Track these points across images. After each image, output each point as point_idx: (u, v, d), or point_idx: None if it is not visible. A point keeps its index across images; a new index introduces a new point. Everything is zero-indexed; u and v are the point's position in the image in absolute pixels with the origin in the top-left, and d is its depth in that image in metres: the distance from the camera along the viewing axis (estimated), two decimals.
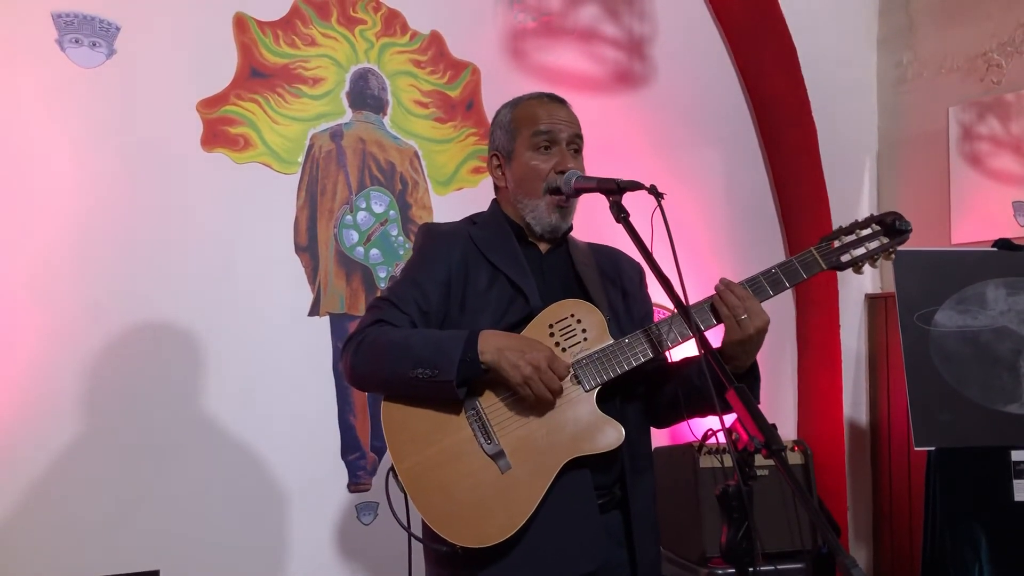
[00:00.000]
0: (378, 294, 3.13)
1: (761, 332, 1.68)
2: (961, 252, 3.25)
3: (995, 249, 3.14)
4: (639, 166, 3.31)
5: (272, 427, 2.95)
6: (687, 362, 1.82)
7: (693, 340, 1.63)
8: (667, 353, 1.79)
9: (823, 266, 1.77)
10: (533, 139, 1.84)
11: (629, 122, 3.61)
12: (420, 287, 1.79)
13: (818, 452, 3.48)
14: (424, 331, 1.75)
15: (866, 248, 1.78)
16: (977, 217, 3.40)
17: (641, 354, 1.73)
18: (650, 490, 1.84)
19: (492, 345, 1.65)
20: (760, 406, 1.45)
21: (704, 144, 3.79)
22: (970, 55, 3.46)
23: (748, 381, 1.73)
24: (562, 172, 1.81)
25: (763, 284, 1.75)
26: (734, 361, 1.70)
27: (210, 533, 2.84)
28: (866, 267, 1.80)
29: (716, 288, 1.72)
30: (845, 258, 1.77)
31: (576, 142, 1.87)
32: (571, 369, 1.72)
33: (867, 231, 1.79)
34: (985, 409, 2.98)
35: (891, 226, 1.77)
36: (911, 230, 1.78)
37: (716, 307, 1.71)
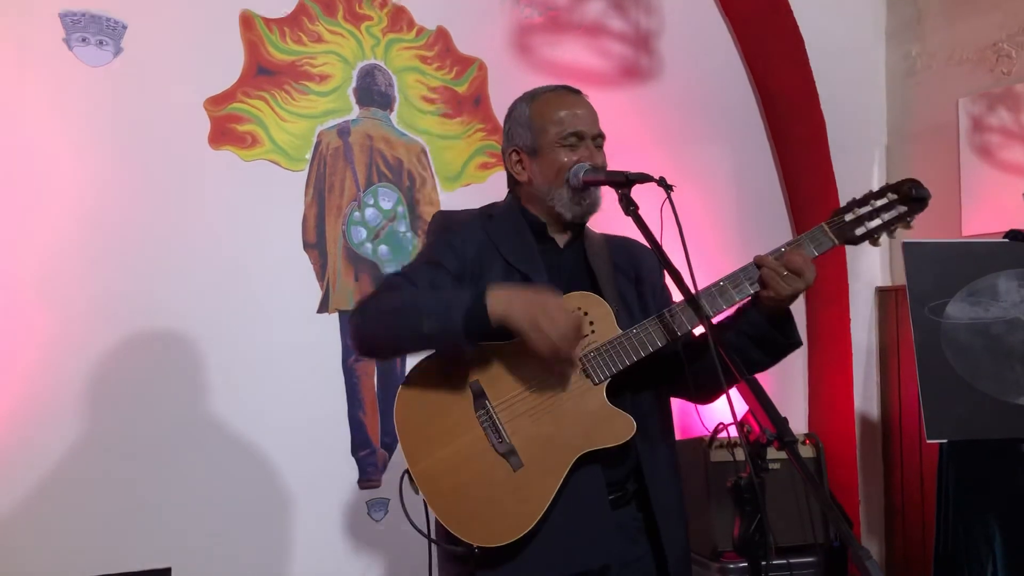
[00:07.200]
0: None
1: (810, 284, 1.67)
2: (972, 244, 3.22)
3: (1006, 240, 3.12)
4: (646, 161, 3.26)
5: (282, 424, 2.96)
6: (721, 325, 1.77)
7: (706, 320, 1.59)
8: (685, 337, 1.74)
9: (835, 241, 1.70)
10: (563, 140, 1.81)
11: (636, 117, 3.60)
12: (434, 270, 1.78)
13: (829, 446, 3.46)
14: (432, 290, 1.74)
15: (881, 219, 1.69)
16: (988, 209, 3.38)
17: (650, 343, 1.71)
18: (674, 483, 1.82)
19: (502, 295, 1.63)
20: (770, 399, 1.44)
21: (712, 138, 3.78)
22: (979, 46, 3.43)
23: (790, 323, 1.75)
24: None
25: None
26: (773, 310, 1.70)
27: (221, 530, 2.85)
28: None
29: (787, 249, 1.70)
30: (859, 231, 1.69)
31: (599, 139, 1.87)
32: (580, 362, 1.70)
33: (882, 200, 1.71)
34: (997, 401, 2.96)
35: (908, 194, 1.69)
36: (930, 197, 1.68)
37: (767, 273, 1.67)
